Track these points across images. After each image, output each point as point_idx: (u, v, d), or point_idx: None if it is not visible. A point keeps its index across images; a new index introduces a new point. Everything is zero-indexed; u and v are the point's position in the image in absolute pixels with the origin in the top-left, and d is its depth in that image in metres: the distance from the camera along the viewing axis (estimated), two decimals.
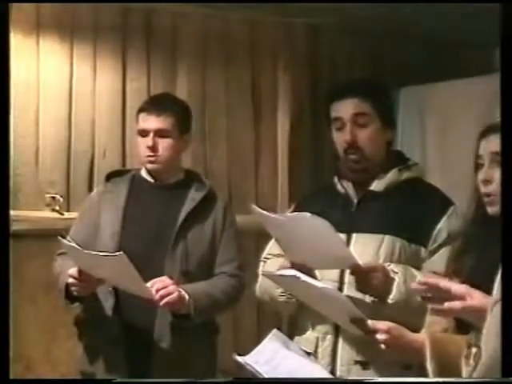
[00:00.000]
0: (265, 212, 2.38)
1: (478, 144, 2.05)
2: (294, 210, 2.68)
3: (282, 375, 1.84)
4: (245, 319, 4.37)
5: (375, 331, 1.91)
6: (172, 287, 2.70)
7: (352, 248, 2.45)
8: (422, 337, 1.90)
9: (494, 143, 2.00)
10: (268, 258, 2.69)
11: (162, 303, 2.68)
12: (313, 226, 2.24)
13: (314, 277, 2.39)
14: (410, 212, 2.51)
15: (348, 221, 2.53)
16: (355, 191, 2.59)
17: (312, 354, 2.46)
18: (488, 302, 1.70)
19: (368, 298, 2.40)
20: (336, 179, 2.65)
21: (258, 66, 4.63)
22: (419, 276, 2.40)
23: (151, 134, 2.92)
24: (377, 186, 2.56)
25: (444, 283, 1.77)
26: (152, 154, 2.92)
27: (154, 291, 2.66)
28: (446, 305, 1.70)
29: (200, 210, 2.94)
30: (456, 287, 1.75)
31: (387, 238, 2.48)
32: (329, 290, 2.04)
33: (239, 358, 1.85)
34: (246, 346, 4.46)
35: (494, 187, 1.99)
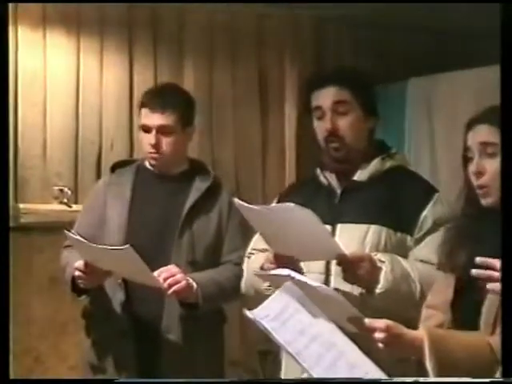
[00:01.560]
0: (247, 204, 2.35)
1: (465, 136, 2.03)
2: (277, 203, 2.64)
3: (290, 331, 1.78)
4: (251, 306, 4.34)
5: (373, 330, 1.85)
6: (179, 276, 2.69)
7: (337, 239, 2.41)
8: (421, 334, 1.86)
9: (481, 134, 1.98)
10: (252, 254, 2.65)
11: (169, 292, 2.67)
12: (297, 217, 2.20)
13: (299, 269, 2.36)
14: (394, 201, 2.49)
15: (332, 212, 2.50)
16: (338, 182, 2.57)
17: None
18: None
19: (356, 291, 2.37)
20: (319, 171, 2.63)
21: (265, 58, 4.62)
22: (406, 264, 2.38)
23: (154, 131, 2.88)
24: (360, 175, 2.54)
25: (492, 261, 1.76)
26: (155, 151, 2.89)
27: (161, 280, 2.65)
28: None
29: (205, 199, 2.91)
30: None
31: (372, 228, 2.45)
32: (324, 289, 1.98)
33: (248, 313, 1.81)
34: (253, 336, 4.49)
35: (487, 179, 1.96)
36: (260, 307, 1.81)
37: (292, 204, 2.25)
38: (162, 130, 2.88)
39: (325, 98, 2.53)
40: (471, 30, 4.50)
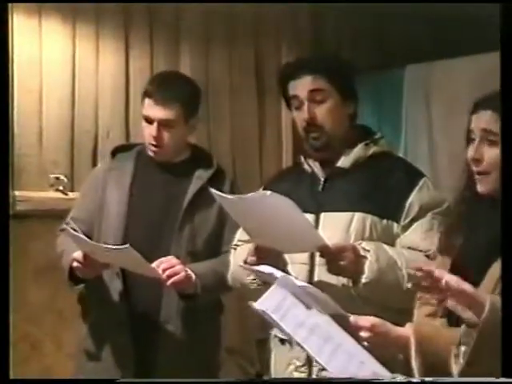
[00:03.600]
0: (224, 195, 2.34)
1: (469, 117, 2.00)
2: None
3: (290, 324, 1.78)
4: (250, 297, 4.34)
5: (358, 328, 1.82)
6: (178, 267, 2.68)
7: (321, 228, 2.41)
8: (408, 332, 1.83)
9: (484, 119, 1.95)
10: (238, 245, 2.63)
11: (168, 283, 2.66)
12: (275, 205, 2.18)
13: (283, 261, 2.36)
14: (379, 187, 2.46)
15: (316, 200, 2.48)
16: (322, 169, 2.54)
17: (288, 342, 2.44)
18: (479, 295, 1.68)
19: (340, 282, 2.35)
20: (302, 158, 2.60)
21: (262, 45, 4.61)
22: (392, 252, 2.35)
23: (156, 124, 2.84)
24: (343, 162, 2.51)
25: (439, 272, 1.73)
26: (156, 143, 2.86)
27: (160, 271, 2.64)
28: (445, 279, 1.68)
29: (207, 189, 2.82)
30: (449, 277, 1.71)
31: (357, 216, 2.42)
32: (308, 288, 1.96)
33: (253, 304, 1.81)
34: (250, 324, 4.47)
35: (484, 166, 1.94)
36: (258, 301, 1.82)
37: (269, 192, 2.23)
38: (164, 124, 2.84)
39: (301, 87, 2.50)
40: (469, 16, 4.50)
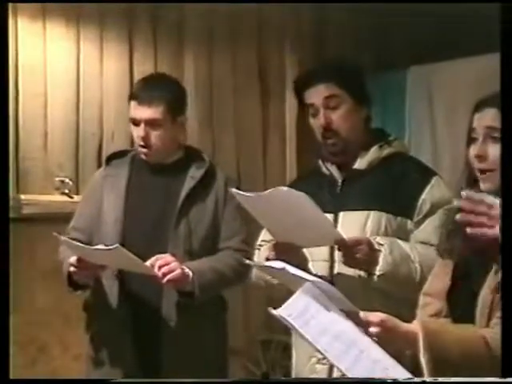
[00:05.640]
0: (243, 193, 2.38)
1: (471, 117, 1.99)
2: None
3: (314, 330, 1.80)
4: (253, 295, 4.35)
5: (367, 324, 1.83)
6: (174, 264, 2.68)
7: (339, 227, 2.49)
8: (415, 328, 1.83)
9: (488, 117, 1.94)
10: (261, 245, 2.69)
11: (164, 280, 2.67)
12: (292, 200, 2.26)
13: (303, 257, 2.43)
14: (393, 186, 2.55)
15: (334, 201, 2.57)
16: (339, 172, 2.63)
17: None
18: None
19: (356, 274, 2.43)
20: (320, 162, 2.69)
21: (265, 46, 4.63)
22: (405, 246, 2.45)
23: (142, 124, 2.86)
24: (359, 164, 2.60)
25: (492, 199, 1.72)
26: (144, 144, 2.87)
27: (156, 268, 2.66)
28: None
29: (201, 187, 2.90)
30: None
31: (373, 214, 2.52)
32: (318, 283, 1.99)
33: (273, 311, 1.83)
34: (255, 325, 4.47)
35: (488, 163, 1.94)
36: (282, 307, 1.83)
37: (285, 188, 2.31)
38: (150, 123, 2.85)
39: (316, 95, 2.59)
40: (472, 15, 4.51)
